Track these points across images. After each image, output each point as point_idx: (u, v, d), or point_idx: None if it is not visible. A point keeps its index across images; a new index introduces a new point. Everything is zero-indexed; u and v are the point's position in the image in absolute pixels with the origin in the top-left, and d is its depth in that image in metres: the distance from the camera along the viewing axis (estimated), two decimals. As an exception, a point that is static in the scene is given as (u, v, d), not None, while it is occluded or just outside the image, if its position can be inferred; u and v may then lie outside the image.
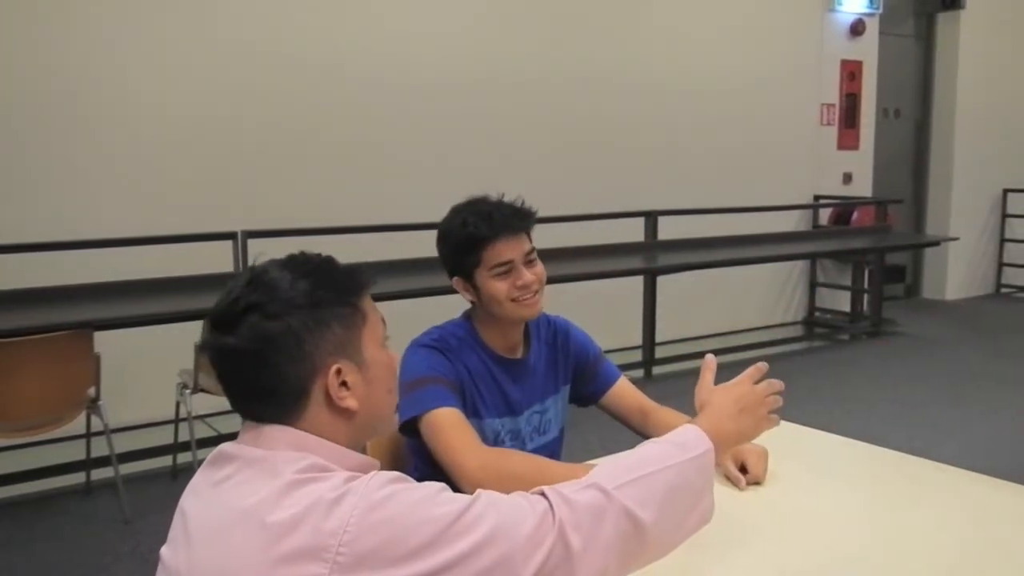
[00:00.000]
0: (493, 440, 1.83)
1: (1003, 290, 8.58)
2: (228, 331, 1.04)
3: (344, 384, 1.07)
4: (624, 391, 1.99)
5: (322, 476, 0.99)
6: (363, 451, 1.15)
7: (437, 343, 1.81)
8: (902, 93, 7.97)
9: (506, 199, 1.82)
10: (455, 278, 1.83)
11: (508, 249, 1.77)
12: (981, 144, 8.01)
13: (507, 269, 1.77)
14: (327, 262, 1.12)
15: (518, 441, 1.88)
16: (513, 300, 1.78)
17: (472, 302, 1.85)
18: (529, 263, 1.81)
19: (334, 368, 1.06)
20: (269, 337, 1.03)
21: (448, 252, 1.82)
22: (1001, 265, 8.56)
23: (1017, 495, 1.71)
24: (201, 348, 1.09)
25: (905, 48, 7.92)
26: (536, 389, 1.92)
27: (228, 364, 1.06)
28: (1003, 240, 8.52)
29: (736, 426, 1.27)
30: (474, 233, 1.77)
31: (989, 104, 8.00)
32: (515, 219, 1.79)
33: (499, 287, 1.78)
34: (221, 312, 1.06)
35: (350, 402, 1.07)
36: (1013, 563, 1.43)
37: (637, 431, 1.94)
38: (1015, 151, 8.33)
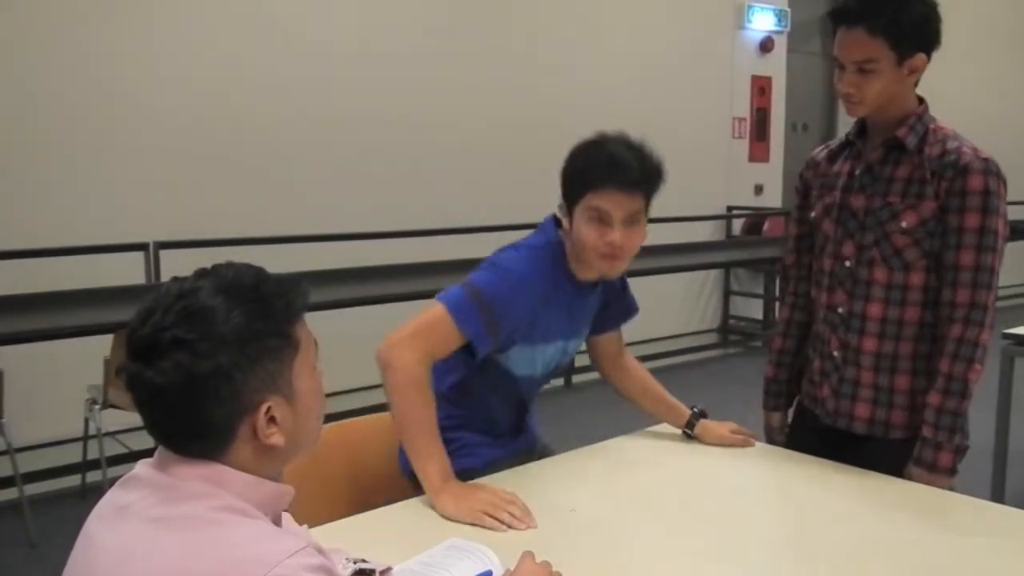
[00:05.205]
0: (551, 357, 1.88)
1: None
2: (150, 363, 0.97)
3: (272, 420, 1.02)
4: (615, 338, 2.09)
5: (233, 522, 0.96)
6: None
7: (531, 277, 1.77)
8: (809, 108, 8.27)
9: (646, 149, 1.79)
10: (561, 201, 1.81)
11: (611, 202, 1.72)
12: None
13: (600, 218, 1.73)
14: (262, 283, 1.03)
15: (559, 357, 1.93)
16: (594, 251, 1.75)
17: (566, 227, 1.82)
18: (630, 223, 1.75)
19: (264, 407, 1.01)
20: (197, 377, 0.96)
21: (565, 175, 1.81)
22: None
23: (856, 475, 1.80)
24: (118, 373, 1.01)
25: (812, 65, 8.20)
26: (584, 321, 1.95)
27: (148, 399, 0.99)
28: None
29: None
30: (586, 171, 1.75)
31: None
32: (636, 175, 1.73)
33: (586, 232, 1.75)
34: (144, 340, 0.98)
35: (276, 439, 1.02)
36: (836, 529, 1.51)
37: (604, 374, 2.11)
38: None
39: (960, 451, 1.82)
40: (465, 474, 1.74)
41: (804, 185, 2.10)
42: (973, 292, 1.80)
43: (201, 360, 0.96)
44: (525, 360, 1.84)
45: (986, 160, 1.81)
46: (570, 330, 1.91)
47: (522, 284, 1.75)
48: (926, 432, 1.82)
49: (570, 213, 1.78)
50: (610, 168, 1.72)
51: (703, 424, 2.06)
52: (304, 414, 1.06)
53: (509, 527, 1.56)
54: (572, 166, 1.79)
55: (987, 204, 1.79)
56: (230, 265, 1.05)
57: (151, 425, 1.02)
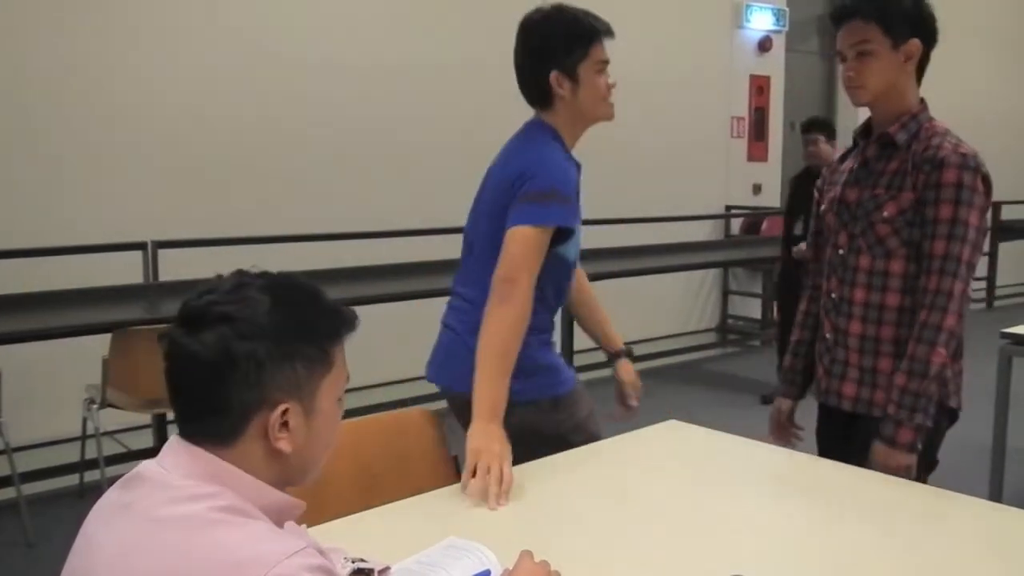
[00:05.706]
0: (578, 241, 1.98)
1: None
2: (193, 331, 1.01)
3: (285, 425, 1.04)
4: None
5: (233, 522, 0.96)
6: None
7: (552, 150, 1.89)
8: (807, 107, 8.25)
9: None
10: (554, 73, 1.87)
11: (606, 50, 1.89)
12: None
13: (604, 69, 1.88)
14: (314, 297, 1.10)
15: (578, 243, 2.01)
16: (604, 98, 1.89)
17: (559, 99, 1.89)
18: None
19: (282, 407, 1.03)
20: (232, 355, 1.00)
21: (556, 43, 1.88)
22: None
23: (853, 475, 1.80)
24: (160, 339, 1.06)
25: (810, 64, 8.21)
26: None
27: (181, 365, 1.03)
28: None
29: None
30: (595, 25, 1.87)
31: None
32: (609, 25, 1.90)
33: (600, 82, 1.89)
34: (195, 310, 1.03)
35: (284, 444, 1.04)
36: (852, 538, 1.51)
37: None
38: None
39: (920, 430, 1.88)
40: (562, 400, 1.96)
41: (824, 184, 2.20)
42: (939, 279, 1.88)
43: (241, 340, 1.00)
44: (573, 243, 1.95)
45: (963, 155, 1.88)
46: (580, 210, 1.99)
47: (555, 158, 1.87)
48: (890, 409, 1.91)
49: (572, 81, 1.87)
50: (597, 21, 1.87)
51: (622, 363, 2.23)
52: (316, 433, 1.08)
53: (471, 495, 1.63)
54: (568, 28, 1.87)
55: (959, 196, 1.86)
56: (289, 275, 1.12)
57: (173, 398, 1.05)
